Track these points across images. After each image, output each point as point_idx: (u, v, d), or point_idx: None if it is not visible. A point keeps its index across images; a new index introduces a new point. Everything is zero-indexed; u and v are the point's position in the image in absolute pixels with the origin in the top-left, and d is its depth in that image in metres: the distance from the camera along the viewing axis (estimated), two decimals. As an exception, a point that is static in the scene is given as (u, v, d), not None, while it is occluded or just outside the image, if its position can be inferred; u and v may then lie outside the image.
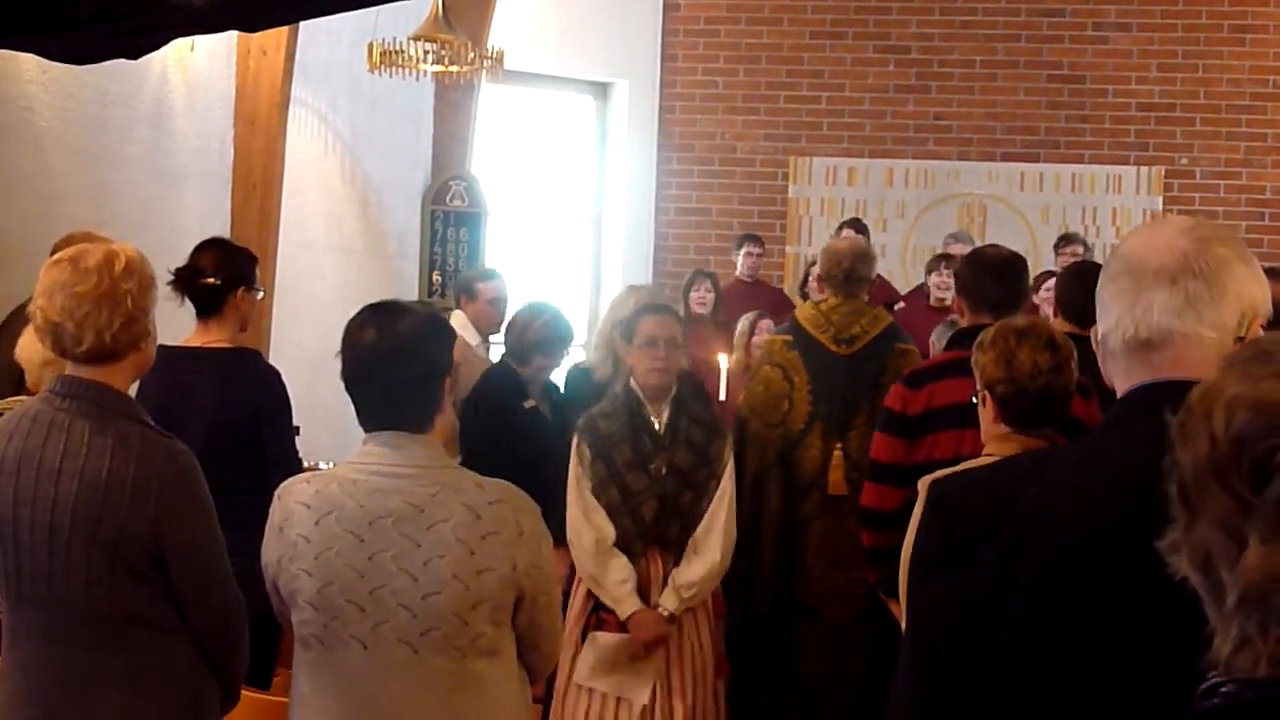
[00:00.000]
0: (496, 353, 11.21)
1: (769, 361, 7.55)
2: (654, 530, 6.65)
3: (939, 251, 12.54)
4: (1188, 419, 1.73)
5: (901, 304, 12.18)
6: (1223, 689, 1.67)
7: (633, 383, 6.76)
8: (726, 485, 6.72)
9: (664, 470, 6.63)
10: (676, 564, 6.65)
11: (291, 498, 3.97)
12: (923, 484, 4.93)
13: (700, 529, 6.65)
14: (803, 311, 7.61)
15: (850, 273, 7.42)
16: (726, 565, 6.74)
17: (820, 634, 7.33)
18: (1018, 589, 2.44)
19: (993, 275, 6.33)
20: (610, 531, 6.59)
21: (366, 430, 3.97)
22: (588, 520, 6.59)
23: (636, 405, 6.68)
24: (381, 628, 3.84)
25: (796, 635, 7.39)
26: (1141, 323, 2.52)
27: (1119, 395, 2.59)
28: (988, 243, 10.20)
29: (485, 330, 9.33)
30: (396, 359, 3.88)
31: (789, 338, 7.53)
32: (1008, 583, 2.45)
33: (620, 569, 6.56)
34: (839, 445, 7.25)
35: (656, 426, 6.70)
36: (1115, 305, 2.55)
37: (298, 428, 6.71)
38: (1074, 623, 2.35)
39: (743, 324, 10.01)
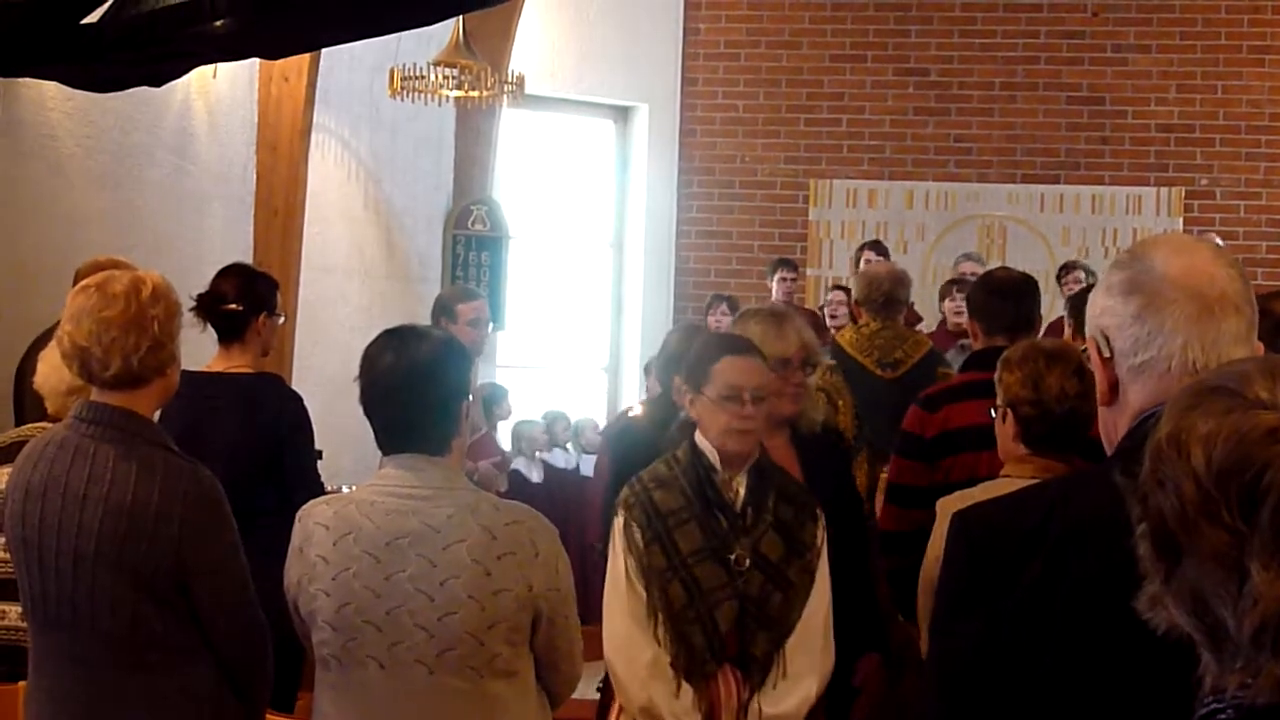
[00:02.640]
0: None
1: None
2: (731, 643, 4.89)
3: (953, 273, 12.55)
4: (1160, 464, 1.75)
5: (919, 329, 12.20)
6: (1221, 716, 1.69)
7: (700, 441, 5.03)
8: (823, 583, 5.01)
9: (747, 562, 4.88)
10: (759, 687, 4.92)
11: (311, 519, 4.02)
12: (941, 506, 4.96)
13: (792, 642, 4.94)
14: (844, 336, 7.59)
15: (890, 296, 7.43)
16: (823, 691, 5.06)
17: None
18: (1060, 610, 2.44)
19: (1005, 298, 6.33)
20: (669, 646, 4.87)
21: (385, 453, 4.01)
22: (641, 629, 4.86)
23: (707, 473, 4.95)
24: (398, 648, 3.87)
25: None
26: (1212, 351, 2.51)
27: (1138, 415, 2.58)
28: (1008, 264, 10.22)
29: None
30: (414, 382, 3.93)
31: (832, 361, 7.40)
32: (1048, 606, 2.45)
33: (684, 697, 4.84)
34: (885, 470, 6.98)
35: (734, 502, 4.96)
36: (1181, 331, 2.53)
37: (320, 451, 6.74)
38: (1121, 639, 2.33)
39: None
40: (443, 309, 8.29)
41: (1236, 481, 1.67)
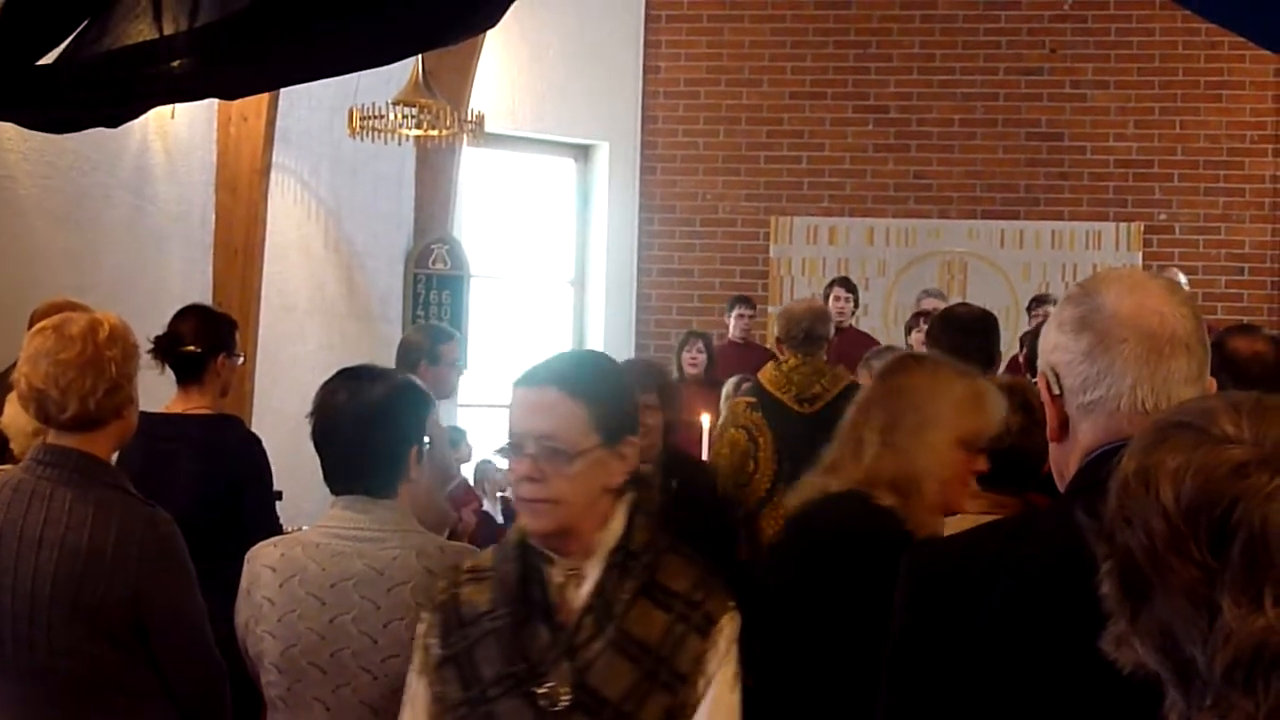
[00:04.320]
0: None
1: (734, 424, 7.71)
2: None
3: (915, 309, 12.61)
4: (1127, 501, 1.74)
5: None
6: None
7: None
8: None
9: (563, 699, 3.19)
10: None
11: (259, 561, 4.00)
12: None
13: None
14: (765, 373, 7.78)
15: (809, 332, 7.60)
16: None
17: None
18: (1016, 653, 2.43)
19: (965, 333, 6.35)
20: None
21: (334, 493, 4.00)
22: None
23: (539, 561, 3.32)
24: (343, 690, 3.84)
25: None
26: (1162, 391, 2.50)
27: (1089, 452, 2.57)
28: (969, 300, 10.26)
29: (441, 395, 8.32)
30: (363, 423, 3.91)
31: (753, 399, 7.71)
32: (1002, 649, 2.44)
33: None
34: None
35: (561, 606, 3.27)
36: (1130, 371, 2.52)
37: (279, 492, 6.70)
38: (1081, 680, 2.32)
39: (728, 387, 10.07)
40: (425, 352, 8.13)
41: (1206, 517, 1.66)
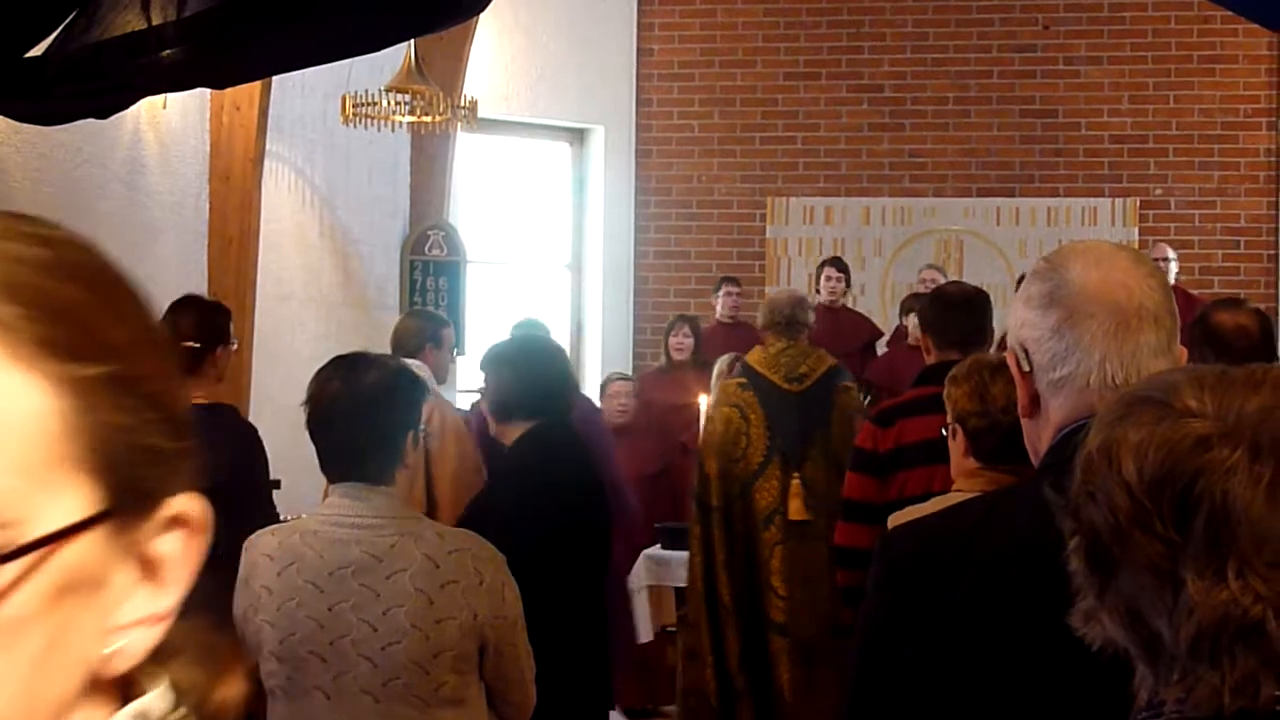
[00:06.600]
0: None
1: (726, 403, 8.10)
2: None
3: (915, 285, 12.62)
4: (1091, 476, 1.74)
5: (885, 348, 12.32)
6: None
7: None
8: None
9: None
10: None
11: (257, 550, 4.01)
12: (892, 521, 4.95)
13: None
14: (753, 356, 8.29)
15: (791, 319, 8.11)
16: None
17: (793, 649, 7.85)
18: (990, 630, 2.41)
19: (957, 312, 6.36)
20: None
21: (329, 480, 4.00)
22: None
23: None
24: (343, 678, 3.85)
25: (770, 651, 7.88)
26: (1131, 365, 2.50)
27: (1060, 429, 2.57)
28: (964, 279, 10.31)
29: (440, 380, 8.26)
30: (358, 410, 3.92)
31: (743, 380, 8.14)
32: (977, 627, 2.43)
33: None
34: (796, 475, 7.81)
35: None
36: (1099, 346, 2.51)
37: (278, 481, 6.70)
38: (1053, 657, 2.30)
39: (720, 365, 10.09)
40: (428, 336, 8.15)
41: (1169, 491, 1.66)
